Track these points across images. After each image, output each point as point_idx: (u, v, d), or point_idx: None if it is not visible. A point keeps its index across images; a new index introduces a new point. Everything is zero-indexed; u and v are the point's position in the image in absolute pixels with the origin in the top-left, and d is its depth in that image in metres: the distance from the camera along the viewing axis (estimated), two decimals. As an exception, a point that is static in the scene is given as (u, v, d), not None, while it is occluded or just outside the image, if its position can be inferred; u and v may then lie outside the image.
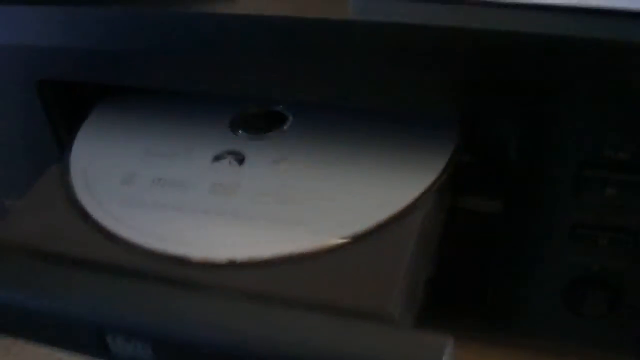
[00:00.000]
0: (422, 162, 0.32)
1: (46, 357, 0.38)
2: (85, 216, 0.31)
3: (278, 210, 0.31)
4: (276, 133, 0.35)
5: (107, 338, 0.27)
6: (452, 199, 0.33)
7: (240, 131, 0.36)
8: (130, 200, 0.32)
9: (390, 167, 0.32)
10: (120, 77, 0.34)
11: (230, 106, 0.37)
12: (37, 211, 0.32)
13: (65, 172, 0.34)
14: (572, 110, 0.28)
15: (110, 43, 0.32)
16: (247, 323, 0.25)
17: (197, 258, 0.29)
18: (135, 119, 0.37)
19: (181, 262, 0.28)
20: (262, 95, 0.32)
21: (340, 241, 0.28)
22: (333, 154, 0.33)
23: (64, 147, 0.36)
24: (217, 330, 0.25)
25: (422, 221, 0.29)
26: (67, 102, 0.38)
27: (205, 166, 0.34)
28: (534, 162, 0.30)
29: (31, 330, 0.28)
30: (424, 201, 0.30)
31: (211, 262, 0.28)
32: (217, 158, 0.34)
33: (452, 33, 0.28)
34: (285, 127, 0.36)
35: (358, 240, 0.28)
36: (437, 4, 0.29)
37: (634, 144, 0.28)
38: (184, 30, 0.31)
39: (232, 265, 0.28)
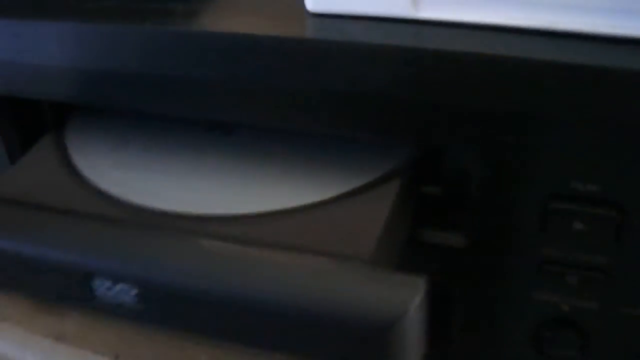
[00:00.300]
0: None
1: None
2: (77, 175, 0.32)
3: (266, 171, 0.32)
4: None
5: (93, 282, 0.27)
6: (413, 231, 0.32)
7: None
8: (123, 162, 0.33)
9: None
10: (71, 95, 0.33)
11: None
12: (30, 169, 0.33)
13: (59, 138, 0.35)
14: (539, 141, 0.26)
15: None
16: (228, 265, 0.26)
17: (187, 213, 0.30)
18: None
19: (171, 217, 0.29)
20: (213, 117, 0.31)
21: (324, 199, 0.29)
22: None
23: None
24: (200, 273, 0.26)
25: (398, 190, 0.29)
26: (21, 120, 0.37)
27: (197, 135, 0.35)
28: (500, 194, 0.28)
29: (18, 279, 0.29)
30: (399, 174, 0.31)
31: (201, 216, 0.29)
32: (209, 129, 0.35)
33: (411, 54, 0.26)
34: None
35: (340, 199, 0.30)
36: (396, 24, 0.28)
37: (603, 176, 0.27)
38: (136, 45, 0.30)
39: (218, 219, 0.29)
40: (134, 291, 0.27)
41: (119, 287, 0.27)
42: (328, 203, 0.29)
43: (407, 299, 0.23)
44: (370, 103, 0.27)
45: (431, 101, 0.27)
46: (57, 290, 0.29)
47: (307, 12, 0.29)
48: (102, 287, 0.28)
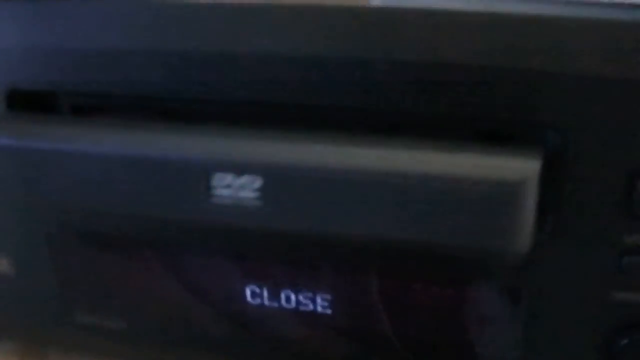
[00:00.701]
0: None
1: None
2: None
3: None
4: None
5: (212, 179, 0.28)
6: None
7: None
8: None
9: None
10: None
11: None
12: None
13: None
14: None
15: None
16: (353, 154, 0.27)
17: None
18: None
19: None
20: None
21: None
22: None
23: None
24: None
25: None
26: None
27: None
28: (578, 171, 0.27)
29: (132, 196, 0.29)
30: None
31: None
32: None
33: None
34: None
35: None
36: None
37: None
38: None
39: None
40: (258, 183, 0.28)
41: (241, 180, 0.28)
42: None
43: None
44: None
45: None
46: (173, 199, 0.29)
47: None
48: (222, 182, 0.28)
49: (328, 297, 0.32)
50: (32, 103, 0.32)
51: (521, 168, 0.26)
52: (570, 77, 0.26)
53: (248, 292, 0.33)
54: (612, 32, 0.25)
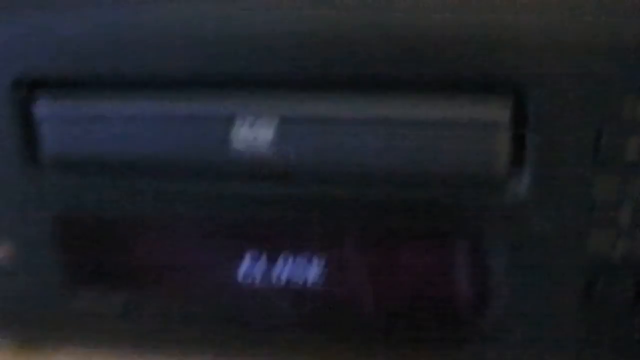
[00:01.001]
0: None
1: None
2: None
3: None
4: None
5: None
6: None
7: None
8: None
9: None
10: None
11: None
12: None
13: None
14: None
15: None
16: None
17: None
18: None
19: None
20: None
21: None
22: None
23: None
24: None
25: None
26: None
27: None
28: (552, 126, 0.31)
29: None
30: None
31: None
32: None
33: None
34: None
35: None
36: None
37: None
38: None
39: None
40: (271, 131, 0.31)
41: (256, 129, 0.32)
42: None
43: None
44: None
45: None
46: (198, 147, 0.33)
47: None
48: (240, 132, 0.32)
49: (323, 262, 0.35)
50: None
51: (496, 111, 0.31)
52: (542, 40, 0.31)
53: (244, 268, 0.36)
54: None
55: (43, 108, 0.34)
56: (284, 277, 0.36)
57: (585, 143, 0.31)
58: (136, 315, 0.39)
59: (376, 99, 0.32)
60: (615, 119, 0.31)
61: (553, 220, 0.33)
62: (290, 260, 0.35)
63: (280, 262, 0.36)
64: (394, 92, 0.32)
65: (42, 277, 0.39)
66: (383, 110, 0.32)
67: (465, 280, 0.35)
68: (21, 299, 0.39)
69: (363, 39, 0.31)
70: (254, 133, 0.32)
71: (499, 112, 0.31)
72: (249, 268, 0.36)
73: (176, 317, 0.38)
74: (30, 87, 0.35)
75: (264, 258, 0.36)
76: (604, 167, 0.32)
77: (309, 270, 0.35)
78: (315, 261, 0.35)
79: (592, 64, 0.30)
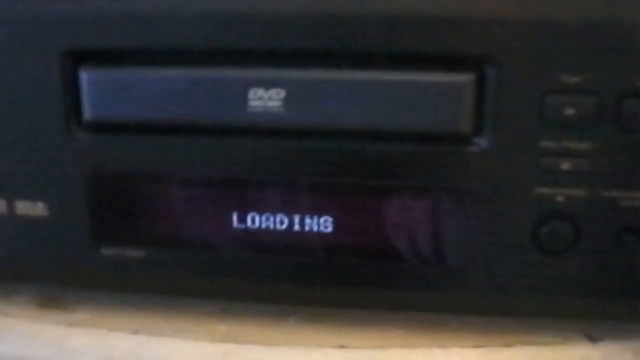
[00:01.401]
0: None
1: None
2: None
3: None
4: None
5: (248, 93, 0.40)
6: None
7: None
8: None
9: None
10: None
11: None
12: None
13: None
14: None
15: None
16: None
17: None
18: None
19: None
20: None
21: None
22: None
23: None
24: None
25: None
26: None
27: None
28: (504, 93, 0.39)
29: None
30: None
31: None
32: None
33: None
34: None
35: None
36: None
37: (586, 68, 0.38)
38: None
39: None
40: (282, 93, 0.39)
41: (269, 92, 0.39)
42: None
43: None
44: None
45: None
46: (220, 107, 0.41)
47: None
48: (255, 95, 0.40)
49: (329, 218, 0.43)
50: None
51: (462, 78, 0.40)
52: (498, 21, 0.39)
53: (251, 219, 0.43)
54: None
55: (87, 76, 0.42)
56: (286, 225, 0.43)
57: (532, 106, 0.40)
58: (155, 265, 0.45)
59: (364, 68, 0.40)
60: (555, 87, 0.39)
61: (507, 171, 0.41)
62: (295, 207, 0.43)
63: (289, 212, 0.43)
64: (380, 63, 0.40)
65: (74, 230, 0.45)
66: (370, 77, 0.40)
67: (433, 225, 0.43)
68: (54, 250, 0.46)
69: (351, 23, 0.39)
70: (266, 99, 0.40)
71: (464, 79, 0.39)
72: (263, 220, 0.43)
73: (192, 267, 0.45)
74: (77, 58, 0.42)
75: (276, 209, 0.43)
76: (547, 127, 0.40)
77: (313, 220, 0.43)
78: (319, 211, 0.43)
79: (536, 41, 0.39)
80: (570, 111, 0.39)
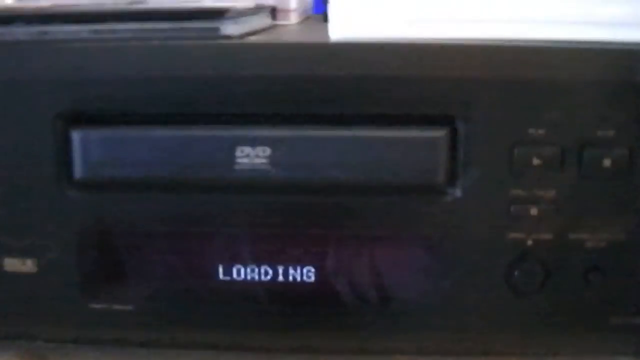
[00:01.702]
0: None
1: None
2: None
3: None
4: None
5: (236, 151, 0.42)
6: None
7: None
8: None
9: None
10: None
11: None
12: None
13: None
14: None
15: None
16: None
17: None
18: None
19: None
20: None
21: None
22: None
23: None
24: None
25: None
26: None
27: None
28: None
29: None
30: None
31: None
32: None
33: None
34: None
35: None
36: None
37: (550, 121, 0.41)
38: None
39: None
40: (268, 151, 0.42)
41: (256, 150, 0.42)
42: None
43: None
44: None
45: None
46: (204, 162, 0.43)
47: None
48: (242, 153, 0.42)
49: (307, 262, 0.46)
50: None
51: (436, 134, 0.43)
52: (468, 83, 0.42)
53: (243, 272, 0.46)
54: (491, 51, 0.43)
55: (78, 136, 0.44)
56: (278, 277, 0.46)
57: (501, 157, 0.43)
58: (144, 318, 0.47)
59: (345, 126, 0.43)
60: (523, 139, 0.42)
61: (480, 218, 0.44)
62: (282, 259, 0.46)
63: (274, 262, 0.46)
64: (359, 121, 0.43)
65: (63, 286, 0.47)
66: (350, 135, 0.43)
67: (410, 272, 0.46)
68: (42, 306, 0.47)
69: (334, 86, 0.43)
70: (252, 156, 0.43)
71: (438, 134, 0.43)
72: (248, 272, 0.46)
73: (182, 317, 0.47)
74: (69, 119, 0.44)
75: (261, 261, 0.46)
76: (516, 176, 0.43)
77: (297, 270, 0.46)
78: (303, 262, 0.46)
79: (504, 98, 0.42)
80: (537, 161, 0.42)
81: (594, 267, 0.44)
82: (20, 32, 0.44)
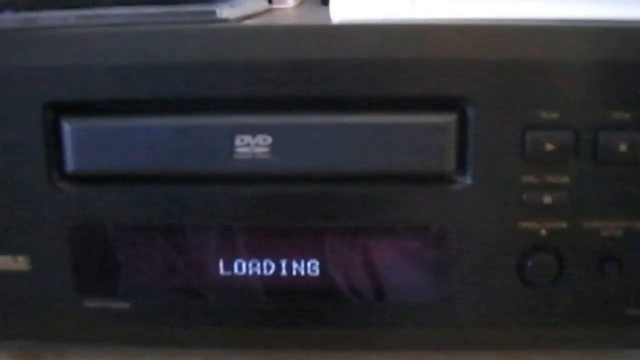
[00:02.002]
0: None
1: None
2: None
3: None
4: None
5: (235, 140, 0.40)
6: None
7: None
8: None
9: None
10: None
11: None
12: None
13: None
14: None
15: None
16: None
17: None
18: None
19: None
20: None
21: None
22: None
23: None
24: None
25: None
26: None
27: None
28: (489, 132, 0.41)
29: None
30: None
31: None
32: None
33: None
34: None
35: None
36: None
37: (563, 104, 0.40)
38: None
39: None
40: (269, 140, 0.40)
41: (256, 139, 0.41)
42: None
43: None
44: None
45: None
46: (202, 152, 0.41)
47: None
48: (241, 142, 0.41)
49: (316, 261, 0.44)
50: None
51: (444, 119, 0.42)
52: (475, 61, 0.41)
53: (243, 267, 0.44)
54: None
55: (69, 127, 0.42)
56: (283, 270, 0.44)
57: (513, 143, 0.41)
58: (140, 316, 0.46)
59: (349, 112, 0.42)
60: (535, 123, 0.41)
61: (491, 207, 0.42)
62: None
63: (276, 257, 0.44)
64: (364, 107, 0.42)
65: (57, 284, 0.45)
66: (355, 121, 0.42)
67: (417, 264, 0.44)
68: (36, 304, 0.46)
69: (335, 68, 0.41)
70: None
71: (446, 119, 0.41)
72: (250, 266, 0.44)
73: (180, 315, 0.46)
74: (59, 109, 0.42)
75: (263, 255, 0.44)
76: (528, 162, 0.42)
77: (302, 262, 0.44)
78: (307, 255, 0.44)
79: (515, 80, 0.41)
80: (550, 146, 0.41)
81: (610, 256, 0.43)
82: (8, 19, 0.43)
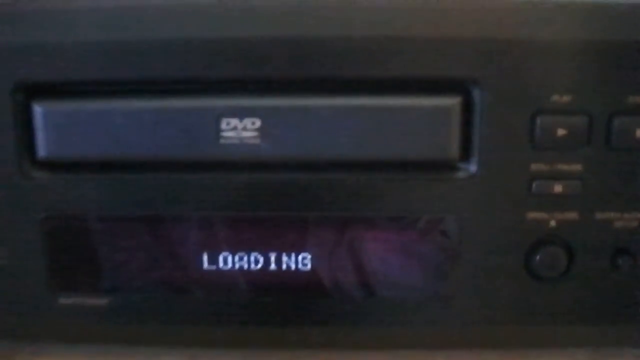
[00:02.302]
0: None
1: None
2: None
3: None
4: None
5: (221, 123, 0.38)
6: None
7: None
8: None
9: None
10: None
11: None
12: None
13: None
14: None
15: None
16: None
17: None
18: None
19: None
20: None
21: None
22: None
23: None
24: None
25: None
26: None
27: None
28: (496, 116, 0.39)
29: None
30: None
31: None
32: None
33: None
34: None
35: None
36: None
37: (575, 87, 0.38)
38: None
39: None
40: (257, 123, 0.38)
41: (244, 122, 0.38)
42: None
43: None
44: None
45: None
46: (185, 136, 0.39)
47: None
48: (228, 126, 0.38)
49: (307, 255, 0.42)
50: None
51: (447, 103, 0.39)
52: (482, 41, 0.39)
53: (226, 261, 0.42)
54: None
55: (41, 110, 0.40)
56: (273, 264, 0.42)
57: (522, 128, 0.39)
58: (119, 314, 0.44)
59: (345, 95, 0.39)
60: (546, 108, 0.39)
61: (498, 197, 0.40)
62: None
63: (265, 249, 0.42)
64: (361, 89, 0.39)
65: (29, 279, 0.43)
66: (351, 104, 0.39)
67: (419, 257, 0.42)
68: (8, 301, 0.44)
69: (331, 47, 0.39)
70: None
71: (450, 102, 0.39)
72: (236, 260, 0.42)
73: (161, 311, 0.43)
74: (30, 90, 0.40)
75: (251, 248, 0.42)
76: (538, 149, 0.39)
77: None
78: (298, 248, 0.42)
79: (524, 62, 0.38)
80: (561, 132, 0.39)
81: (623, 249, 0.41)
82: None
